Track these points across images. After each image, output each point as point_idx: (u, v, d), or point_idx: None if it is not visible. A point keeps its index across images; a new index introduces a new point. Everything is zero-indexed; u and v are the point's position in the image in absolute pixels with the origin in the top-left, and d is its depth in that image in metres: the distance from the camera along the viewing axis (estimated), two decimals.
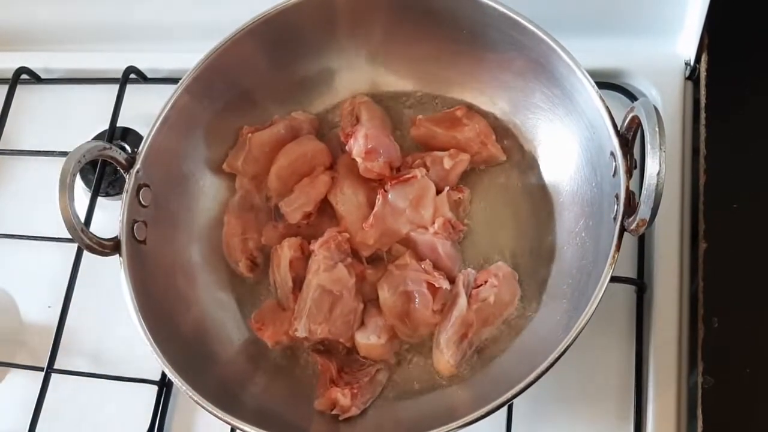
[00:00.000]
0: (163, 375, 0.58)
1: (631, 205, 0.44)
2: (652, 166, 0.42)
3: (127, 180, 0.53)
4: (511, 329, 0.53)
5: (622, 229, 0.45)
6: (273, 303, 0.57)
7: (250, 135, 0.58)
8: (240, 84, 0.58)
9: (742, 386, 0.48)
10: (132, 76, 0.69)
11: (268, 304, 0.57)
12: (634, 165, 0.47)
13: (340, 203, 0.57)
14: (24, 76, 0.73)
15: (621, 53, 0.61)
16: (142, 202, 0.53)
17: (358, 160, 0.56)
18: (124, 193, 0.52)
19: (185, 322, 0.55)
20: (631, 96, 0.60)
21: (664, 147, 0.42)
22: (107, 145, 0.50)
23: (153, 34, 0.71)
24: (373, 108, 0.60)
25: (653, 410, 0.51)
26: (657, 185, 0.41)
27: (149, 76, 0.70)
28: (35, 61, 0.74)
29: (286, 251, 0.56)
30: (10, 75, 0.72)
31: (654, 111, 0.43)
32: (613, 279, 0.51)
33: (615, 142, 0.46)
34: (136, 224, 0.52)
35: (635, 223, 0.43)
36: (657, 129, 0.42)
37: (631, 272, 0.55)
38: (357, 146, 0.56)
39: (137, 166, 0.53)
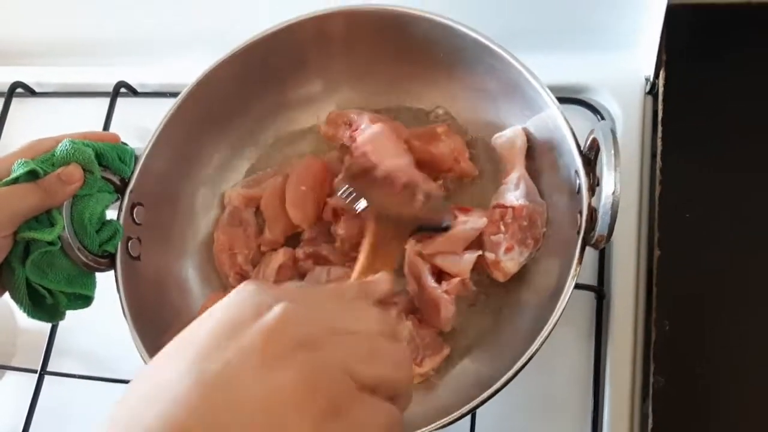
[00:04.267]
0: None
1: (592, 220, 0.47)
2: (608, 186, 0.45)
3: (121, 199, 0.55)
4: (478, 334, 0.56)
5: (584, 243, 0.47)
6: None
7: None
8: (228, 104, 0.61)
9: (691, 386, 0.51)
10: (122, 90, 0.72)
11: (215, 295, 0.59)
12: (596, 182, 0.50)
13: None
14: (19, 90, 0.76)
15: (586, 70, 0.63)
16: (136, 220, 0.56)
17: None
18: (119, 212, 0.55)
19: (177, 329, 0.56)
20: (595, 110, 0.63)
21: (619, 168, 0.45)
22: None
23: (142, 50, 0.74)
24: (356, 109, 0.62)
25: (609, 408, 0.54)
26: (613, 203, 0.44)
27: (139, 90, 0.73)
28: (29, 76, 0.77)
29: (280, 256, 0.59)
30: (5, 89, 0.75)
31: (611, 135, 0.46)
32: (575, 286, 0.54)
33: (578, 161, 0.48)
34: (130, 241, 0.55)
35: (595, 238, 0.46)
36: (613, 151, 0.45)
37: (591, 280, 0.57)
38: (370, 132, 0.57)
39: (131, 186, 0.55)
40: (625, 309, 0.56)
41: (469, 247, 0.55)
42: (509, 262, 0.53)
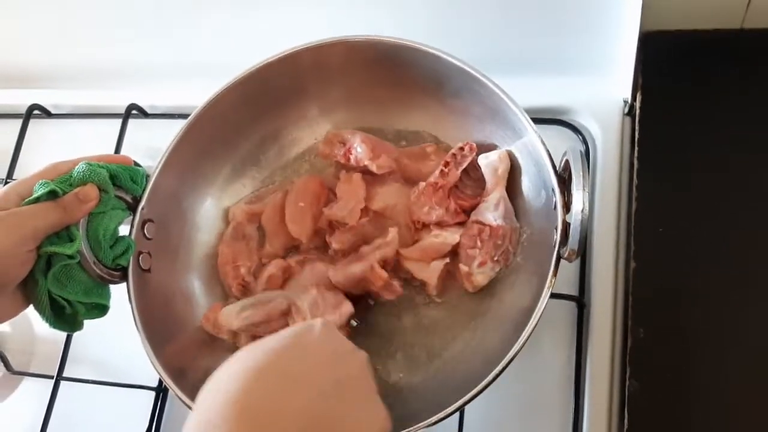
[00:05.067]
0: (160, 382, 0.65)
1: (566, 236, 0.50)
2: (577, 205, 0.48)
3: (133, 216, 0.59)
4: (467, 339, 0.60)
5: (559, 257, 0.51)
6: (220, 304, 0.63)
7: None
8: (233, 126, 0.65)
9: (663, 389, 0.55)
10: (134, 112, 0.76)
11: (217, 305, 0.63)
12: (571, 200, 0.52)
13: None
14: (36, 112, 0.80)
15: (568, 92, 0.67)
16: (147, 236, 0.59)
17: (368, 163, 0.61)
18: (131, 228, 0.58)
19: (183, 337, 0.61)
20: (577, 131, 0.66)
21: (587, 188, 0.49)
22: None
23: (153, 75, 0.78)
24: (351, 130, 0.66)
25: (589, 409, 0.57)
26: (582, 221, 0.48)
27: (149, 112, 0.77)
28: (46, 98, 0.81)
29: (271, 267, 0.62)
30: (23, 110, 0.79)
31: (580, 157, 0.50)
32: (558, 296, 0.58)
33: (554, 181, 0.52)
34: (141, 255, 0.58)
35: (567, 252, 0.50)
36: (582, 173, 0.49)
37: (573, 290, 0.61)
38: (362, 152, 0.62)
39: (142, 203, 0.59)
40: (604, 317, 0.59)
41: (445, 257, 0.59)
42: (480, 275, 0.58)
